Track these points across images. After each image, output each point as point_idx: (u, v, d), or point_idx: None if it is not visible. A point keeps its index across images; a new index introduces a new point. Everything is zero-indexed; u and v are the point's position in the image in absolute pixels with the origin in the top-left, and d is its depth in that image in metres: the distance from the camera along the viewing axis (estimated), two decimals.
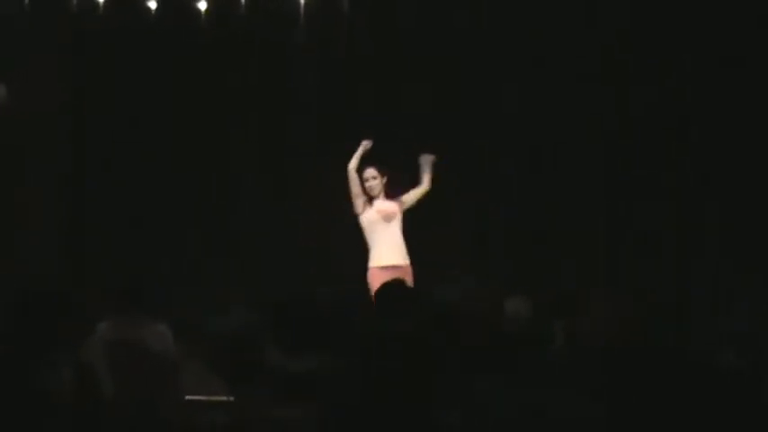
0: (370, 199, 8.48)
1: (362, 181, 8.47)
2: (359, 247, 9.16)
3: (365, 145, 8.47)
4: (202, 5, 9.38)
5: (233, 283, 9.66)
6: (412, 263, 8.38)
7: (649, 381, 3.81)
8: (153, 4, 9.49)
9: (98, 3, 9.46)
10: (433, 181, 8.63)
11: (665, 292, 9.23)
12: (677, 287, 9.34)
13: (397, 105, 9.88)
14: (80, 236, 10.37)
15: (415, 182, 8.61)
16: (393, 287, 5.30)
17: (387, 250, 8.39)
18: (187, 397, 5.90)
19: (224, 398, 4.12)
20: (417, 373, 3.82)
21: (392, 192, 8.50)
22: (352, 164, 8.43)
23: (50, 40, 10.21)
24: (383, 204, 8.47)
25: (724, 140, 9.43)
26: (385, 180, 8.49)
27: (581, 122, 9.67)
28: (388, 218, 8.43)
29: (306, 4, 9.38)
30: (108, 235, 10.24)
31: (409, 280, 7.94)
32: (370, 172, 8.48)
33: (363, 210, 8.46)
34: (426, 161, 8.54)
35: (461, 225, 9.72)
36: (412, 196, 8.51)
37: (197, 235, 10.23)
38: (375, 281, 8.03)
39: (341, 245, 9.58)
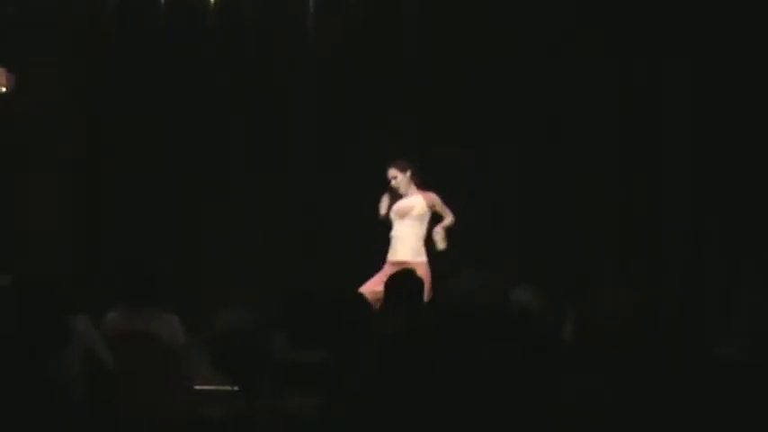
0: (399, 196, 8.57)
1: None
2: (360, 247, 9.20)
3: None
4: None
5: (238, 280, 9.70)
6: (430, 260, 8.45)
7: (657, 378, 3.83)
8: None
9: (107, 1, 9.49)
10: (445, 179, 8.73)
11: (673, 287, 9.28)
12: (686, 282, 9.38)
13: (399, 104, 9.91)
14: (89, 230, 10.41)
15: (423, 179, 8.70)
16: (401, 279, 5.31)
17: (396, 245, 8.49)
18: (196, 386, 5.93)
19: (233, 387, 4.14)
20: (427, 366, 3.84)
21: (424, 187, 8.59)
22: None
23: (56, 38, 10.25)
24: (401, 202, 8.56)
25: (736, 134, 9.48)
26: (409, 174, 8.56)
27: (591, 115, 9.70)
28: (400, 214, 8.53)
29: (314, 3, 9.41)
30: (117, 230, 10.28)
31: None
32: (390, 173, 8.57)
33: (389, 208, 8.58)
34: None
35: (469, 218, 9.75)
36: (444, 212, 8.60)
37: (202, 233, 10.26)
38: (383, 271, 8.22)
39: (343, 244, 9.62)
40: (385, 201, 8.61)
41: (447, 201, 8.82)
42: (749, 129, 9.47)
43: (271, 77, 10.22)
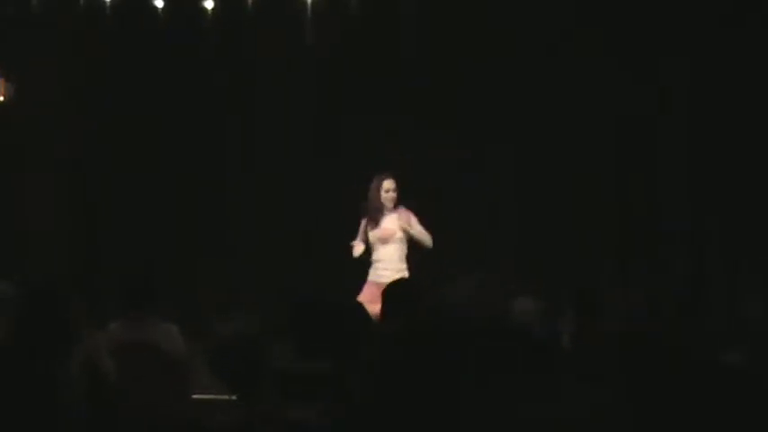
0: (375, 213, 8.44)
1: (380, 191, 8.41)
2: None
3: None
4: (209, 4, 9.36)
5: (238, 287, 9.69)
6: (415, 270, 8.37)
7: (658, 378, 3.82)
8: (160, 3, 9.47)
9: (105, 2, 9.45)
10: (442, 179, 8.67)
11: (673, 287, 9.25)
12: (686, 282, 9.37)
13: (396, 104, 9.90)
14: (86, 230, 10.41)
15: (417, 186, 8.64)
16: (400, 288, 5.30)
17: (381, 267, 8.38)
18: (196, 396, 5.92)
19: (233, 397, 4.13)
20: (426, 374, 3.83)
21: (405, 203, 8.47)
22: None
23: (56, 39, 10.24)
24: (382, 226, 8.43)
25: (735, 134, 9.46)
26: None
27: (589, 115, 9.69)
28: (384, 240, 8.42)
29: (312, 3, 9.35)
30: (114, 230, 10.28)
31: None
32: (391, 184, 8.42)
33: (368, 230, 8.47)
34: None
35: (468, 224, 9.73)
36: (417, 233, 8.38)
37: (199, 233, 10.26)
38: (366, 293, 8.15)
39: (340, 245, 9.61)
40: (359, 245, 8.47)
41: (444, 201, 8.79)
42: (748, 128, 9.46)
43: (269, 77, 10.21)
